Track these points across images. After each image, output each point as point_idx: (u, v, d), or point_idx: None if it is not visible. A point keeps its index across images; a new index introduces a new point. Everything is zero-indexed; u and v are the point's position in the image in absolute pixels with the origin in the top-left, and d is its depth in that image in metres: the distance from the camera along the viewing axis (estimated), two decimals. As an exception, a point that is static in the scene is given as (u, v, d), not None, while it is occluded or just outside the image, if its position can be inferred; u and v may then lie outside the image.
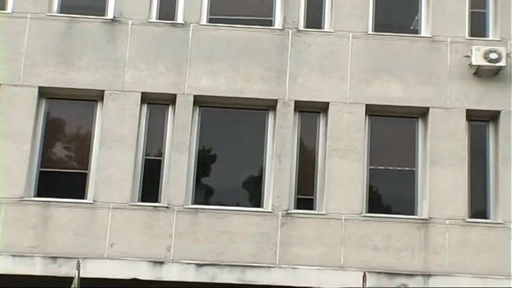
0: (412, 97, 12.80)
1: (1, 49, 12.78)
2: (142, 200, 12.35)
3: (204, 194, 12.82)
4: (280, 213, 12.20)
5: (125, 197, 12.17)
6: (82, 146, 12.93)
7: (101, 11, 13.15)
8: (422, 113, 12.78)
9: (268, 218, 12.19)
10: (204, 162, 12.91)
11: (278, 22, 13.16)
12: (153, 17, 13.14)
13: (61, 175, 12.81)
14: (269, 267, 11.88)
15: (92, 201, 12.16)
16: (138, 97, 12.62)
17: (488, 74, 12.67)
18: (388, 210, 12.71)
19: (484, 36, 13.22)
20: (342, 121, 12.66)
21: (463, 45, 12.87)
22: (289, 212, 12.24)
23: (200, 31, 12.97)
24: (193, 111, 12.71)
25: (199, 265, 11.81)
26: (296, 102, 12.69)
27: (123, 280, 11.61)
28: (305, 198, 12.61)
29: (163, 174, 12.56)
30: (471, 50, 12.58)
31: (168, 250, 11.90)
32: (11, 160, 12.21)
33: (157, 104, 12.82)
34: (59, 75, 12.64)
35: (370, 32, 13.11)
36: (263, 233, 12.06)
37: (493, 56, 12.50)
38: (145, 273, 11.72)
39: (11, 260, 11.62)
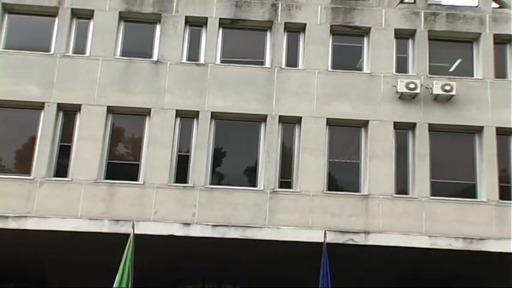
0: (358, 113, 12.79)
1: (81, 81, 12.68)
2: (176, 182, 12.34)
3: (217, 177, 12.69)
4: (268, 191, 12.26)
5: (164, 180, 12.19)
6: (135, 146, 12.85)
7: (148, 55, 13.11)
8: (364, 124, 12.81)
9: (261, 194, 12.26)
10: (218, 156, 12.84)
11: (268, 62, 13.21)
12: (184, 59, 13.09)
13: (121, 165, 12.73)
14: (261, 227, 11.95)
15: (142, 183, 12.20)
16: (173, 113, 12.62)
17: (408, 98, 12.74)
18: (341, 189, 12.67)
19: (406, 72, 13.21)
20: (310, 129, 12.67)
21: (391, 79, 12.91)
22: (275, 190, 12.30)
23: (215, 68, 13.00)
24: (210, 122, 12.71)
25: (214, 226, 11.87)
26: (280, 116, 12.74)
27: (163, 236, 11.72)
28: (285, 181, 12.58)
29: (190, 165, 12.51)
30: (397, 82, 12.70)
31: (193, 215, 11.96)
32: (88, 155, 12.28)
33: (186, 117, 12.77)
34: (121, 98, 12.66)
35: (329, 69, 13.09)
36: (257, 204, 12.14)
37: (412, 86, 12.61)
38: (178, 231, 11.80)
39: (88, 222, 11.76)
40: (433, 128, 12.84)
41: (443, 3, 14.19)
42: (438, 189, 12.56)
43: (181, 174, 12.51)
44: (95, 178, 12.17)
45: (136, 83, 12.81)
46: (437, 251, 11.97)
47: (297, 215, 12.12)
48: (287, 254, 12.09)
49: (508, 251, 11.83)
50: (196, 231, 11.89)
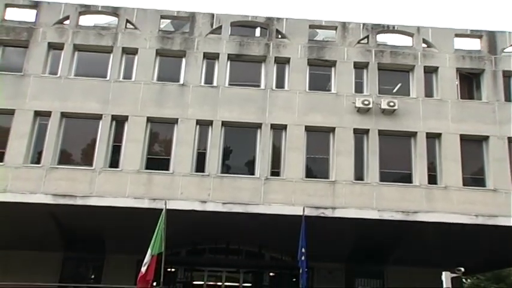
0: (327, 122, 13.08)
1: (128, 99, 12.81)
2: (196, 171, 12.63)
3: (226, 168, 12.93)
4: (263, 178, 12.56)
5: (187, 170, 12.53)
6: (167, 145, 13.06)
7: (176, 80, 13.40)
8: (332, 130, 13.11)
9: (257, 180, 12.56)
10: (226, 153, 13.08)
11: (263, 85, 13.49)
12: (202, 83, 13.39)
13: (157, 159, 12.87)
14: (258, 204, 12.25)
15: (172, 172, 12.53)
16: (194, 122, 12.93)
17: (364, 111, 13.11)
18: (316, 176, 12.91)
19: (362, 92, 13.55)
20: (293, 133, 12.98)
21: (351, 97, 13.27)
22: (267, 177, 12.60)
23: (225, 89, 13.30)
24: (221, 128, 12.95)
25: (224, 203, 12.17)
26: (271, 124, 13.01)
27: (186, 210, 11.95)
28: (275, 171, 12.84)
29: (206, 159, 12.77)
30: (355, 99, 13.13)
31: (209, 196, 12.24)
32: (133, 152, 12.58)
33: (203, 125, 13.02)
34: (156, 110, 12.95)
35: (307, 90, 13.43)
36: (255, 187, 12.44)
37: (366, 102, 13.06)
38: (197, 207, 12.09)
39: (133, 200, 12.07)
40: (381, 133, 13.22)
41: (388, 43, 14.69)
42: (385, 177, 12.89)
43: (200, 165, 12.80)
44: (138, 168, 12.53)
45: (167, 100, 13.16)
46: (384, 221, 12.37)
47: (283, 195, 12.44)
48: (276, 223, 12.45)
49: (434, 220, 12.27)
50: (210, 207, 12.20)
